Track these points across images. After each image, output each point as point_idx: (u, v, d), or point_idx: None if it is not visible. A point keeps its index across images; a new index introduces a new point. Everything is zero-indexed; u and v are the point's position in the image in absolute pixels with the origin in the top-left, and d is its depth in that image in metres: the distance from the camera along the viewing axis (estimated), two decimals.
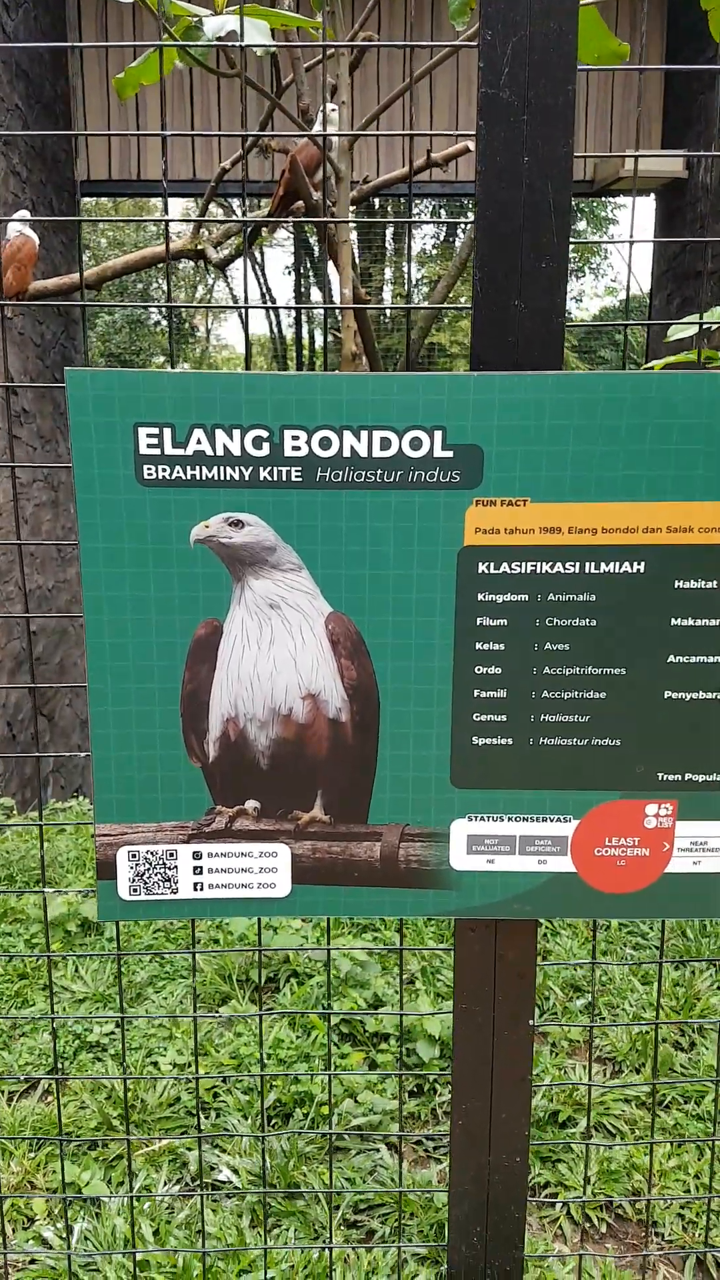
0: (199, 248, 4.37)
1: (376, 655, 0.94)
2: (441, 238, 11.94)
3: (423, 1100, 2.34)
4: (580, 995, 2.74)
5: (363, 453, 0.90)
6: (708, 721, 0.96)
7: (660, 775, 0.97)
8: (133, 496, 0.90)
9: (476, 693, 0.95)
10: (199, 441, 0.89)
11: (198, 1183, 2.04)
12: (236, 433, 0.89)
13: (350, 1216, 1.99)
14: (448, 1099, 2.32)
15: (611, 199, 9.62)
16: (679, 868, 0.99)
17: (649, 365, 4.01)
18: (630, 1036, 2.52)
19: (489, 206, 0.88)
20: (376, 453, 0.90)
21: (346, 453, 0.90)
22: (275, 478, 0.90)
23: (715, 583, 0.93)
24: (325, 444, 0.90)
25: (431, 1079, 2.38)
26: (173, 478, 0.90)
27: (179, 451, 0.89)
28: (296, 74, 3.22)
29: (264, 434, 0.89)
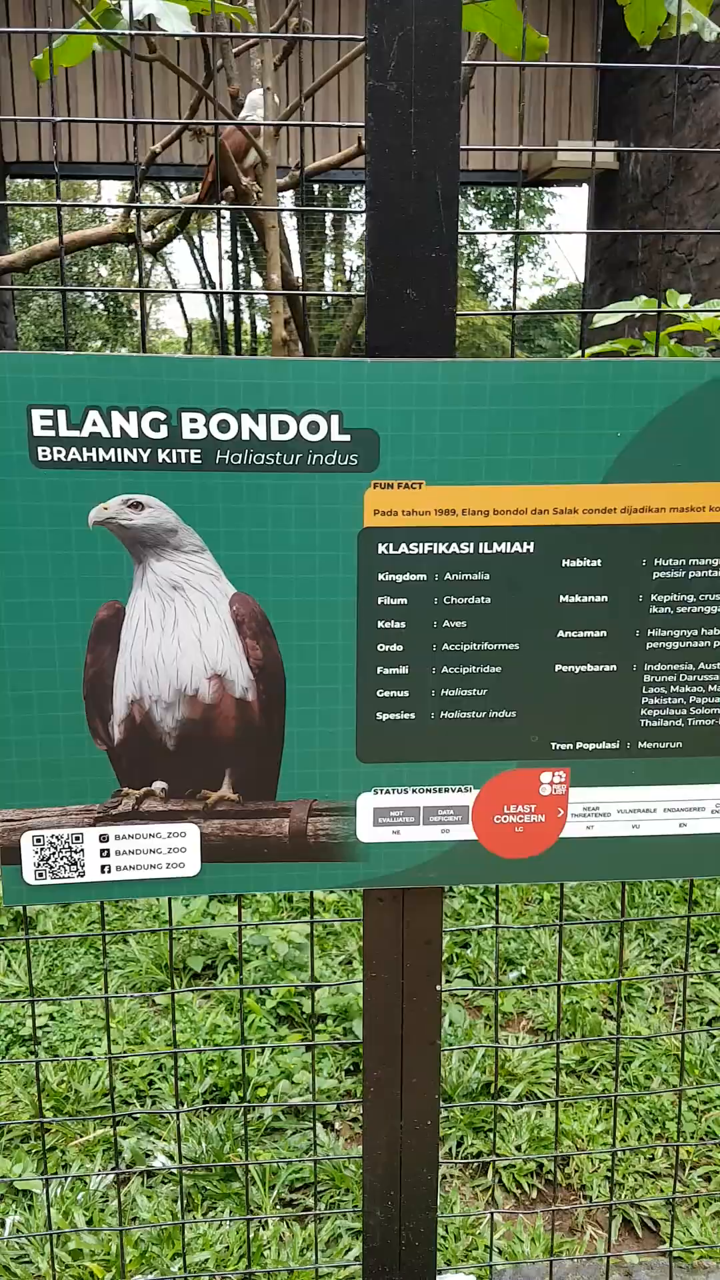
0: (129, 231, 4.33)
1: (281, 635, 0.96)
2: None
3: (358, 1078, 2.38)
4: (514, 967, 2.81)
5: (261, 435, 0.92)
6: (595, 693, 1.00)
7: (554, 744, 1.01)
8: (28, 479, 0.91)
9: (379, 669, 0.98)
10: (94, 424, 0.91)
11: (131, 1169, 2.06)
12: (133, 415, 0.91)
13: (286, 1195, 2.02)
14: None
15: (548, 189, 9.72)
16: (573, 833, 1.03)
17: (578, 354, 4.06)
18: (561, 1006, 2.59)
19: (379, 197, 0.91)
20: (275, 436, 0.92)
21: (245, 435, 0.92)
22: (174, 460, 0.92)
23: (599, 561, 0.97)
24: (224, 427, 0.91)
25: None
26: (69, 460, 0.91)
27: (74, 434, 0.90)
28: (225, 58, 3.21)
29: (161, 416, 0.91)
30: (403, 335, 0.94)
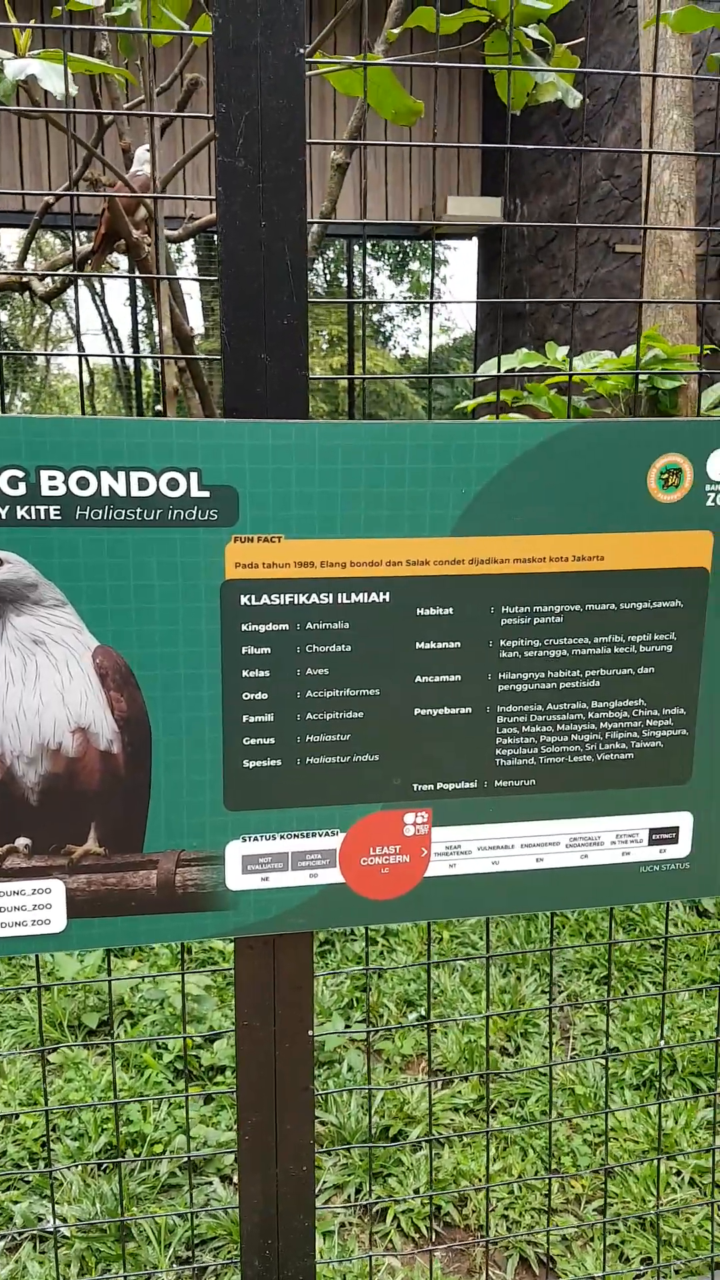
0: (24, 280, 4.31)
1: (146, 686, 0.98)
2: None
3: None
4: (414, 1008, 2.82)
5: (121, 492, 0.94)
6: (453, 734, 1.04)
7: (415, 786, 1.05)
8: None
9: (245, 718, 1.00)
10: None
11: (23, 1233, 1.99)
12: None
13: (182, 1253, 1.98)
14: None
15: (439, 241, 10.01)
16: (437, 871, 1.07)
17: (463, 404, 4.17)
18: (460, 1046, 2.61)
19: (231, 266, 0.95)
20: (135, 492, 0.94)
21: (105, 492, 0.94)
22: (33, 516, 0.93)
23: (450, 610, 1.02)
24: (83, 484, 0.93)
25: None
26: None
27: None
28: (117, 114, 3.25)
29: (19, 474, 0.92)
30: (258, 397, 0.98)
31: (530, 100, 2.38)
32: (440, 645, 1.02)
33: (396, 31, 2.59)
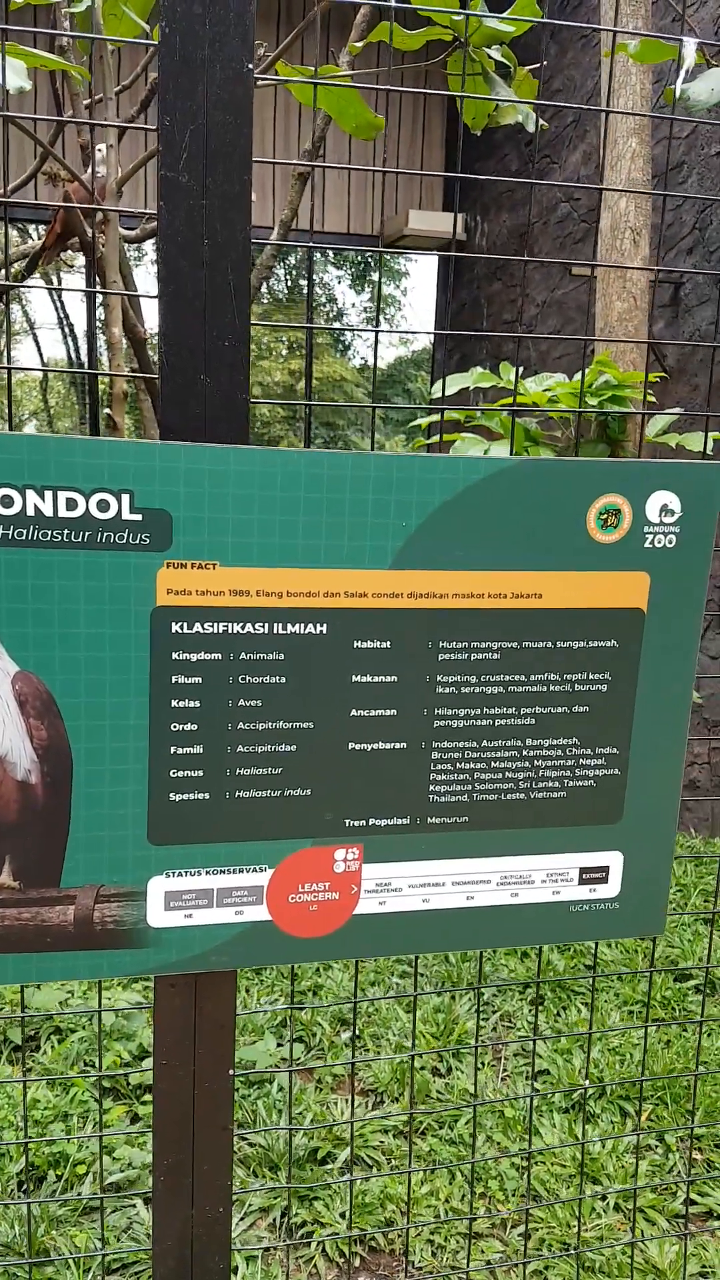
0: None
1: (69, 714, 0.95)
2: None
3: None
4: (346, 1028, 2.80)
5: (48, 512, 0.91)
6: (387, 770, 1.02)
7: (347, 821, 1.03)
8: None
9: (173, 749, 0.97)
10: None
11: None
12: None
13: (101, 1278, 1.93)
14: None
15: (402, 254, 10.03)
16: (366, 909, 1.05)
17: (418, 421, 4.17)
18: (391, 1067, 2.59)
19: (170, 283, 0.92)
20: (63, 513, 0.91)
21: (30, 511, 0.91)
22: None
23: (388, 643, 1.00)
24: (7, 502, 0.90)
25: None
26: None
27: None
28: (75, 109, 3.20)
29: None
30: (196, 419, 0.95)
31: (491, 122, 2.39)
32: (376, 679, 1.00)
33: (360, 45, 2.58)
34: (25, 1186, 2.15)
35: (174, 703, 0.97)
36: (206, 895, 1.01)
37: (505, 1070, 2.63)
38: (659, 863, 1.10)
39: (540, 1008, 2.93)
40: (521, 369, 7.09)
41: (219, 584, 0.95)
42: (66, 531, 0.92)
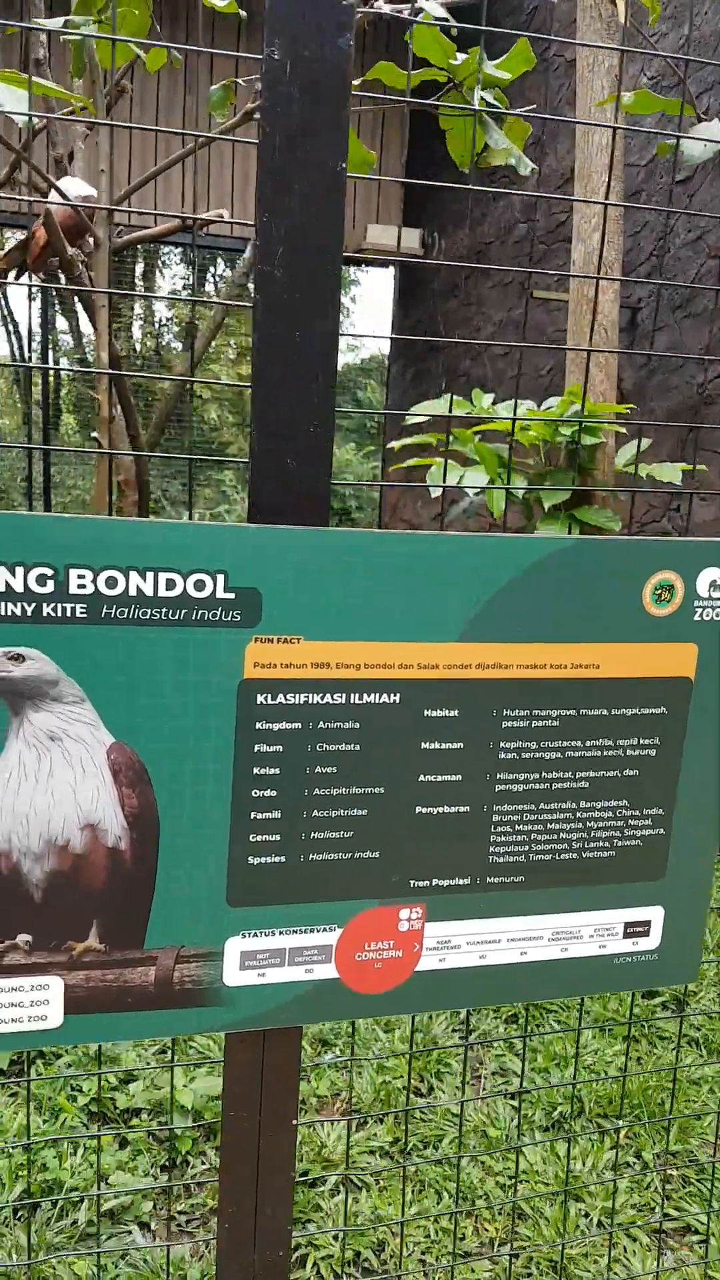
0: None
1: (158, 783, 0.98)
2: (194, 280, 11.93)
3: (176, 1173, 2.33)
4: (326, 1049, 2.84)
5: (149, 592, 0.94)
6: (450, 832, 1.08)
7: (412, 882, 1.07)
8: None
9: (253, 814, 1.01)
10: None
11: None
12: (19, 570, 0.91)
13: None
14: (201, 1170, 2.33)
15: (359, 267, 10.09)
16: (427, 966, 1.10)
17: (391, 444, 4.23)
18: (374, 1087, 2.64)
19: (264, 373, 0.96)
20: (162, 592, 0.95)
21: (133, 592, 0.94)
22: (60, 614, 0.92)
23: (456, 711, 1.05)
24: (111, 583, 0.93)
25: (184, 1151, 2.38)
26: None
27: None
28: (50, 122, 3.19)
29: (48, 572, 0.92)
30: (283, 500, 1.00)
31: (481, 163, 2.46)
32: (444, 746, 1.05)
33: (357, 83, 2.62)
34: (20, 1214, 2.15)
35: (256, 770, 1.01)
36: (279, 954, 1.05)
37: (484, 1089, 2.70)
38: (695, 915, 1.17)
39: (514, 1025, 3.00)
40: (480, 388, 7.19)
41: (302, 657, 1.00)
42: (165, 610, 0.95)
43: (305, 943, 1.05)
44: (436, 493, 3.52)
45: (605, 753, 1.11)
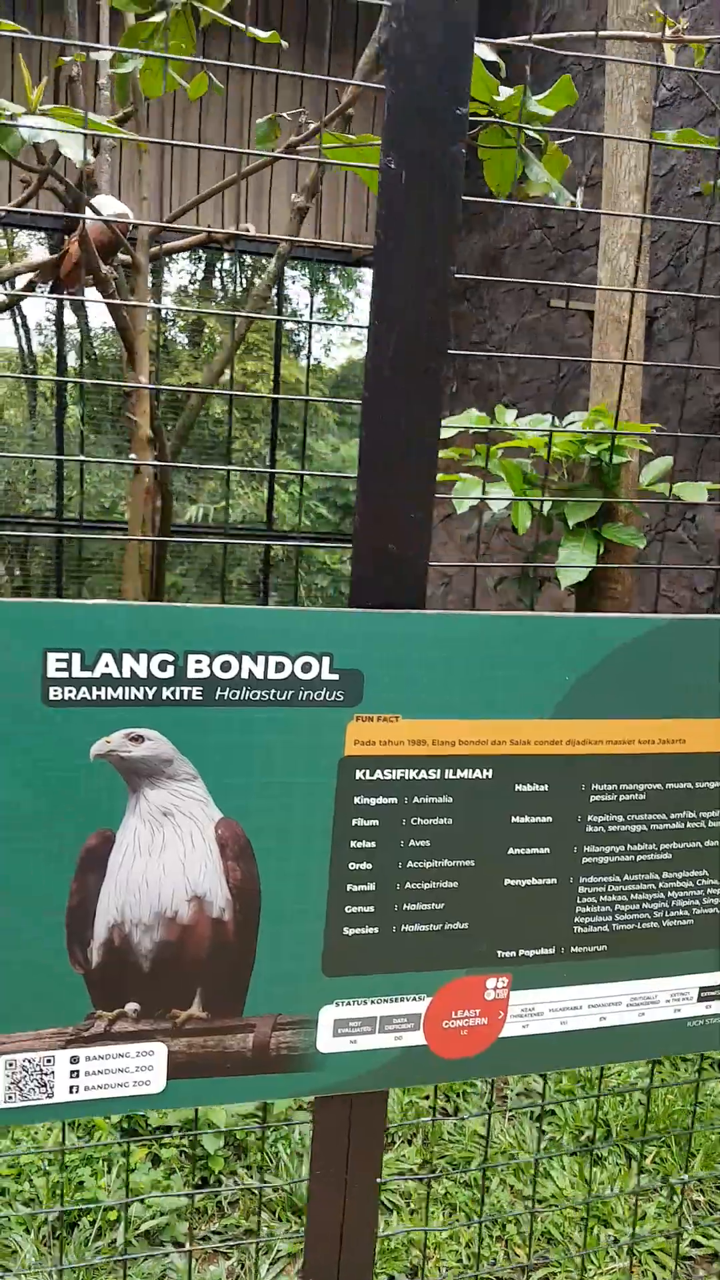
0: None
1: (260, 855, 1.01)
2: (199, 278, 11.87)
3: (208, 1195, 2.36)
4: None
5: (259, 675, 0.97)
6: (537, 903, 1.10)
7: (499, 952, 1.10)
8: (36, 715, 0.92)
9: (349, 887, 1.04)
10: (106, 665, 0.93)
11: None
12: (143, 657, 0.94)
13: None
14: (235, 1192, 2.36)
15: (366, 266, 10.08)
16: (510, 1032, 1.13)
17: None
18: (401, 1106, 2.68)
19: (371, 461, 0.99)
20: (271, 675, 0.97)
21: (245, 674, 0.96)
22: (177, 697, 0.95)
23: (546, 786, 1.08)
24: (226, 667, 0.96)
25: (216, 1171, 2.41)
26: (78, 698, 0.93)
27: (86, 674, 0.92)
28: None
29: (169, 658, 0.94)
30: (383, 584, 1.02)
31: (519, 195, 2.48)
32: (534, 820, 1.08)
33: None
34: (58, 1234, 2.19)
35: (353, 844, 1.03)
36: (370, 1022, 1.07)
37: (510, 1112, 2.73)
38: None
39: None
40: (491, 393, 7.17)
41: (400, 735, 1.02)
42: (273, 691, 0.98)
43: (395, 1011, 1.08)
44: (460, 507, 3.53)
45: (688, 825, 1.14)
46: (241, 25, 2.30)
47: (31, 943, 0.96)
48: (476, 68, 2.17)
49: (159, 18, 2.30)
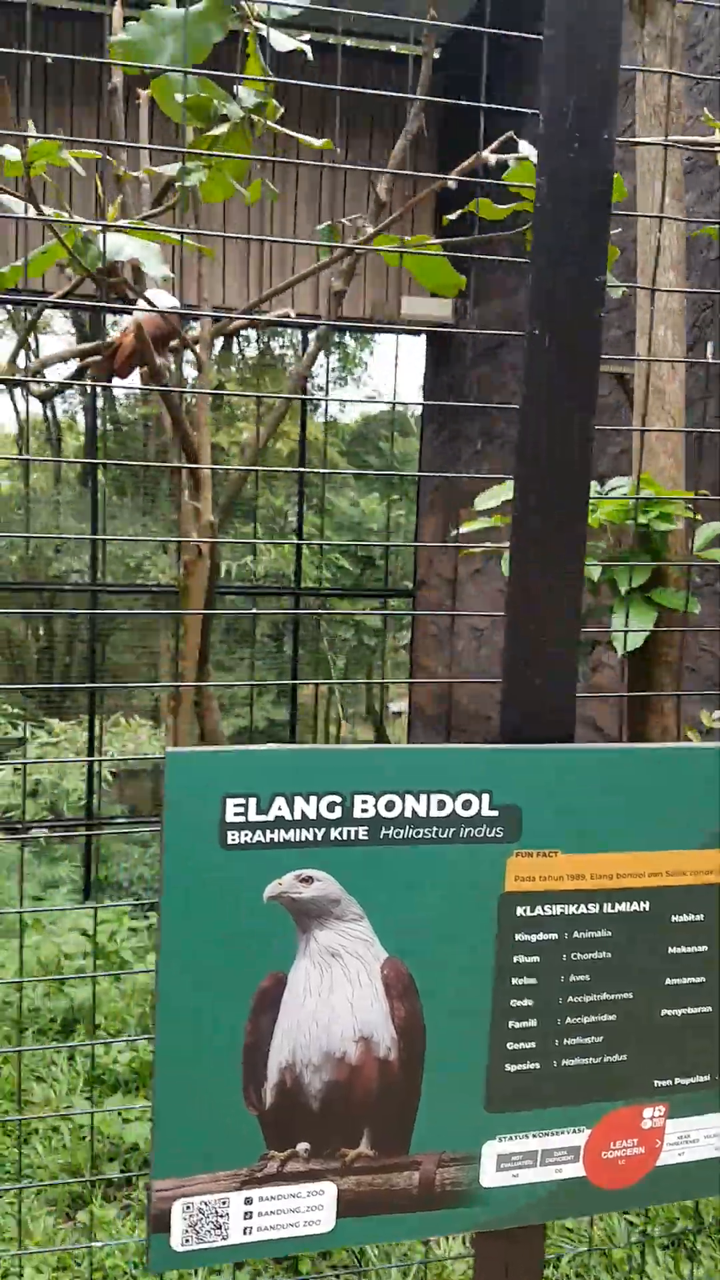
0: (13, 376, 4.26)
1: (424, 994, 1.01)
2: (220, 345, 12.04)
3: None
4: None
5: (422, 813, 0.99)
6: (693, 1033, 1.10)
7: (656, 1082, 1.10)
8: (214, 859, 0.94)
9: (510, 1023, 1.04)
10: (280, 808, 0.95)
11: None
12: (313, 799, 0.96)
13: None
14: None
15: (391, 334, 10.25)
16: (667, 1160, 1.12)
17: (460, 529, 4.26)
18: None
19: (518, 606, 1.02)
20: (434, 812, 0.99)
21: (408, 813, 0.98)
22: (344, 837, 0.97)
23: (702, 915, 1.09)
24: (390, 806, 0.98)
25: (304, 1273, 2.37)
26: (253, 842, 0.95)
27: (261, 818, 0.95)
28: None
29: (337, 799, 0.96)
30: (535, 721, 1.04)
31: None
32: (690, 949, 1.08)
33: (454, 217, 2.73)
34: None
35: (514, 980, 1.04)
36: (532, 1156, 1.07)
37: None
38: None
39: None
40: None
41: (559, 870, 1.03)
42: (435, 829, 0.99)
43: (556, 1144, 1.08)
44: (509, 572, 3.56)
45: None
46: (297, 135, 2.39)
47: (209, 1085, 0.97)
48: (525, 166, 2.25)
49: (219, 130, 2.39)
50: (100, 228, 2.38)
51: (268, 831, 0.95)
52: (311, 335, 8.33)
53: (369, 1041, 1.00)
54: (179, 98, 2.26)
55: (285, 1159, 1.00)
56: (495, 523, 4.15)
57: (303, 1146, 1.00)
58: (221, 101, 2.33)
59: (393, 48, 7.94)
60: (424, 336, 9.56)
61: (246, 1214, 1.00)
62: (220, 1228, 0.99)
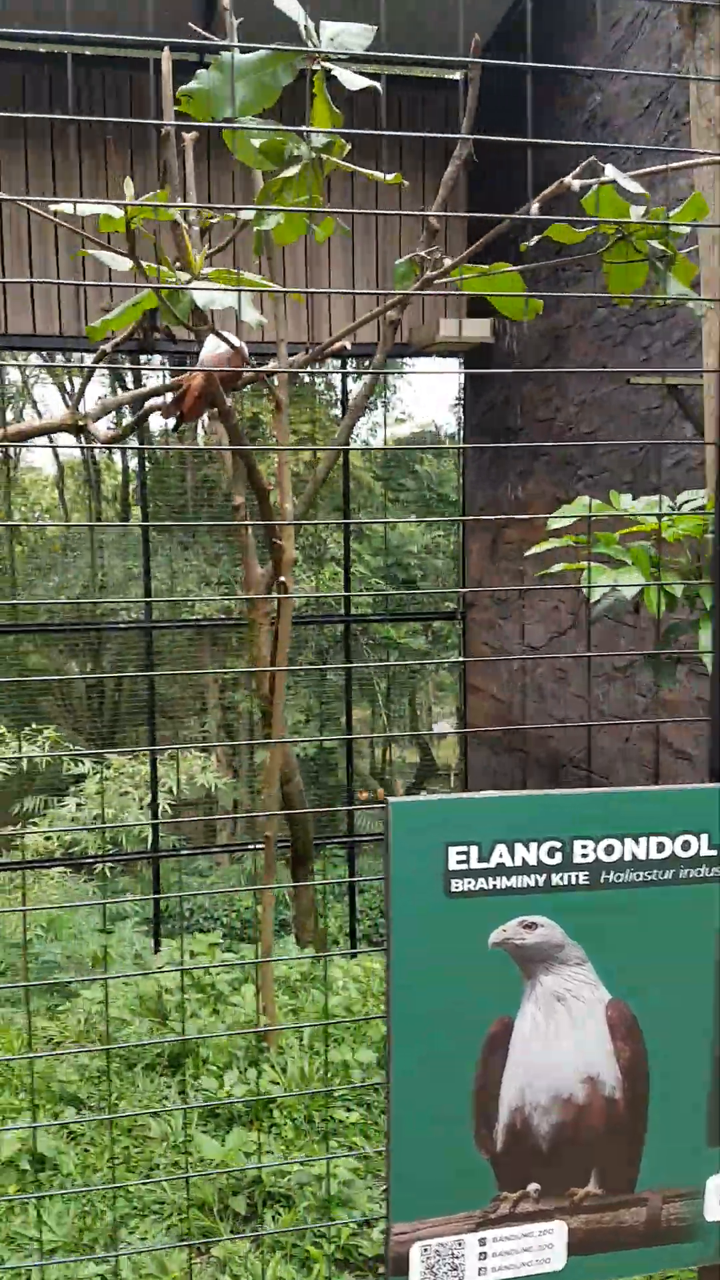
0: (79, 423, 4.34)
1: (646, 1033, 1.03)
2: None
3: None
4: None
5: (641, 856, 1.01)
6: None
7: None
8: (440, 907, 0.96)
9: None
10: (501, 855, 0.97)
11: None
12: (534, 845, 0.98)
13: None
14: None
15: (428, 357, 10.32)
16: None
17: (533, 550, 4.27)
18: None
19: None
20: (653, 855, 1.01)
21: (628, 856, 1.00)
22: (565, 882, 0.99)
23: None
24: (610, 850, 1.00)
25: None
26: (476, 889, 0.97)
27: (483, 865, 0.97)
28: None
29: (557, 844, 0.99)
30: None
31: (651, 305, 2.56)
32: None
33: (532, 243, 2.77)
34: None
35: None
36: None
37: None
38: None
39: None
40: (568, 466, 7.22)
41: None
42: (655, 871, 1.01)
43: None
44: (594, 595, 3.57)
45: None
46: (366, 171, 2.44)
47: (442, 1129, 0.99)
48: (609, 193, 2.28)
49: (289, 171, 2.44)
50: (188, 279, 2.44)
51: (490, 879, 0.98)
52: (350, 362, 8.39)
53: (595, 1082, 1.02)
54: (254, 143, 2.31)
55: (517, 1199, 1.02)
56: (565, 542, 4.16)
57: (534, 1187, 1.02)
58: (294, 143, 2.37)
59: (417, 71, 8.01)
60: (460, 356, 9.60)
61: (481, 1254, 1.01)
62: (456, 1269, 1.01)
